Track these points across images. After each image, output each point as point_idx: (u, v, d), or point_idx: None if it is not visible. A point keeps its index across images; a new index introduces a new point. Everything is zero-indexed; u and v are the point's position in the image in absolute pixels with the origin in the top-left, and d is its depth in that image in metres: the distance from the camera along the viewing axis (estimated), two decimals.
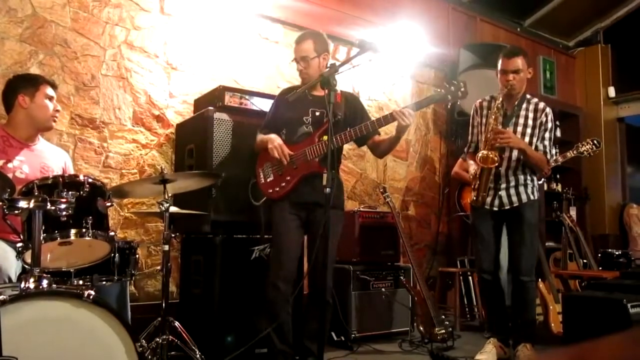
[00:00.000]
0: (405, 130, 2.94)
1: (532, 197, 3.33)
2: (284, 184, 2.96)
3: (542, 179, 4.92)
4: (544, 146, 3.29)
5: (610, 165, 6.83)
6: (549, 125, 3.30)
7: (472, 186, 3.33)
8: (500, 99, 3.28)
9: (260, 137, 3.08)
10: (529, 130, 3.29)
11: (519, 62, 3.27)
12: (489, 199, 3.35)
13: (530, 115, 3.32)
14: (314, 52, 3.00)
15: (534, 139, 3.29)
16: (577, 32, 7.19)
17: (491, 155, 3.16)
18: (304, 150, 2.93)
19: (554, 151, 3.37)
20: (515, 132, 3.28)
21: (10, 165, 2.60)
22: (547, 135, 3.29)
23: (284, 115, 3.07)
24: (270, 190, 3.00)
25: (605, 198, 6.73)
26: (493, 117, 3.24)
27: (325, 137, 2.92)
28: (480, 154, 3.21)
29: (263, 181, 3.04)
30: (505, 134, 3.17)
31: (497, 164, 3.20)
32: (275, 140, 2.94)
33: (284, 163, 2.91)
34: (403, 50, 5.13)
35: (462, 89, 2.88)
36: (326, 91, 2.52)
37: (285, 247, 2.95)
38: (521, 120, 3.31)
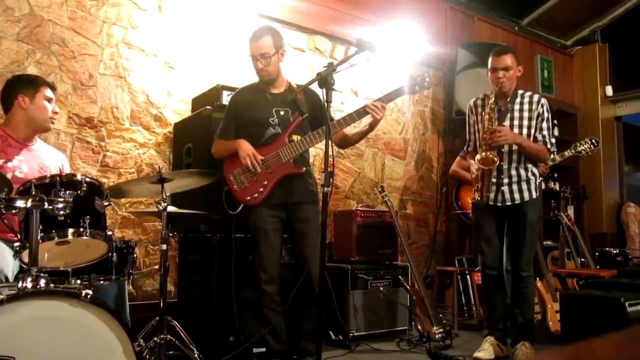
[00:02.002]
0: (378, 123, 2.94)
1: (533, 196, 3.35)
2: (261, 189, 2.90)
3: (540, 178, 4.92)
4: (543, 136, 3.29)
5: (607, 164, 6.84)
6: (546, 115, 3.31)
7: (475, 187, 3.36)
8: (493, 97, 3.31)
9: (224, 143, 3.00)
10: (525, 123, 3.31)
11: (508, 59, 3.31)
12: (491, 195, 3.37)
13: (526, 107, 3.33)
14: (273, 48, 2.92)
15: (532, 131, 3.31)
16: (575, 31, 7.20)
17: (490, 156, 3.20)
18: (276, 153, 2.88)
19: (553, 140, 3.37)
20: (511, 126, 3.31)
21: (9, 164, 2.60)
22: (544, 125, 3.30)
23: (246, 117, 2.99)
24: (248, 198, 2.93)
25: (602, 197, 6.75)
26: (487, 117, 3.27)
27: (295, 137, 2.91)
28: (479, 156, 3.24)
29: (237, 189, 2.95)
30: (501, 132, 3.19)
31: (497, 164, 3.22)
32: (246, 148, 2.87)
33: (257, 171, 2.87)
34: (401, 49, 5.13)
35: (427, 79, 2.91)
36: (323, 90, 2.51)
37: (267, 252, 2.93)
38: (516, 114, 3.33)
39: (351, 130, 3.12)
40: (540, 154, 3.31)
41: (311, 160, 3.23)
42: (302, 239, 2.97)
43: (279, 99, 2.96)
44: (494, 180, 3.35)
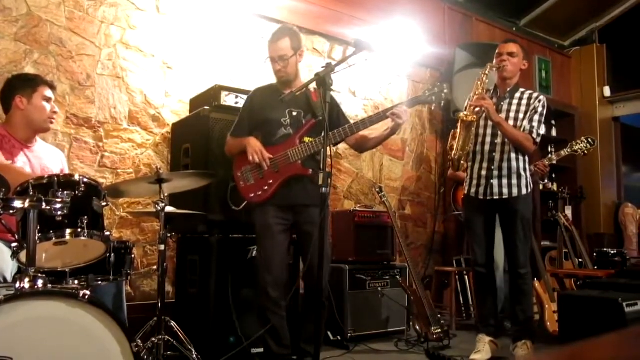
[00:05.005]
0: (399, 127, 2.93)
1: (524, 192, 3.32)
2: (266, 188, 2.90)
3: (545, 178, 4.93)
4: (532, 126, 3.27)
5: (605, 165, 6.85)
6: (540, 109, 3.30)
7: (450, 145, 3.38)
8: (489, 69, 3.31)
9: (235, 140, 3.01)
10: (520, 116, 3.31)
11: (514, 47, 3.37)
12: (481, 189, 3.37)
13: (524, 102, 3.33)
14: (291, 50, 2.94)
15: (524, 123, 3.29)
16: (573, 31, 7.22)
17: (470, 115, 3.21)
18: (285, 153, 2.88)
19: (541, 132, 3.35)
20: (507, 118, 3.30)
21: (15, 166, 2.59)
22: (536, 117, 3.28)
23: (260, 117, 3.00)
24: (252, 195, 2.93)
25: (600, 197, 6.76)
26: (479, 83, 3.28)
27: (307, 139, 2.89)
28: (460, 114, 3.25)
29: (243, 185, 2.96)
30: (486, 100, 3.20)
31: (475, 121, 3.23)
32: (255, 145, 2.88)
33: (264, 168, 2.87)
34: (399, 49, 5.14)
35: (445, 91, 2.89)
36: (320, 90, 2.51)
37: (272, 253, 2.90)
38: (513, 107, 3.34)
39: (371, 133, 3.08)
40: (521, 140, 3.24)
41: None
42: (309, 242, 2.88)
43: (293, 101, 2.93)
44: (483, 173, 3.36)
